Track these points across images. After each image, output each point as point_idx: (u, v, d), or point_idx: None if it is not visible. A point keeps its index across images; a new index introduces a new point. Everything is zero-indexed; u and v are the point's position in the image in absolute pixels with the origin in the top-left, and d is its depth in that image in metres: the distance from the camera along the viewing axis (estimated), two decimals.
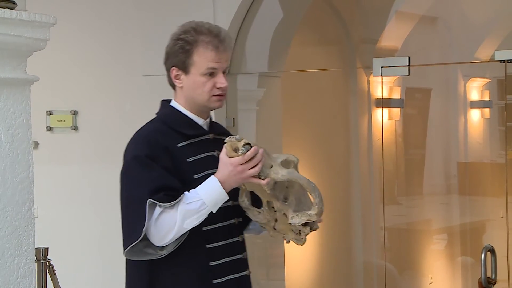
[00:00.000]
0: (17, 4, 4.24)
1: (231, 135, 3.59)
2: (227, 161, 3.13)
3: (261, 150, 3.13)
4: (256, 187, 3.25)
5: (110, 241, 6.25)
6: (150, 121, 3.52)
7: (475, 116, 9.97)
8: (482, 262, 5.54)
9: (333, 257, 7.84)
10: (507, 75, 6.45)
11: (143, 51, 6.18)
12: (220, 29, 3.43)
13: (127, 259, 3.36)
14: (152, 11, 6.17)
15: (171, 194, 3.10)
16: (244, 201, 3.38)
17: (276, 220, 3.35)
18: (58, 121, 6.50)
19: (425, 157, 9.81)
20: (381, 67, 6.72)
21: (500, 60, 6.26)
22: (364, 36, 8.30)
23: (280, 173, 3.17)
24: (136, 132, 3.47)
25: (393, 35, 8.52)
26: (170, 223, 3.07)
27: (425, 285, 8.94)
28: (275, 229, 3.37)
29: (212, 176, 3.16)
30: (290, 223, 3.27)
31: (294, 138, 7.27)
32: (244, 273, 3.38)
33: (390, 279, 8.23)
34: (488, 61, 7.49)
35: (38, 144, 6.21)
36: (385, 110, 8.37)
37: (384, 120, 8.39)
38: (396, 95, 8.51)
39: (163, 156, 3.22)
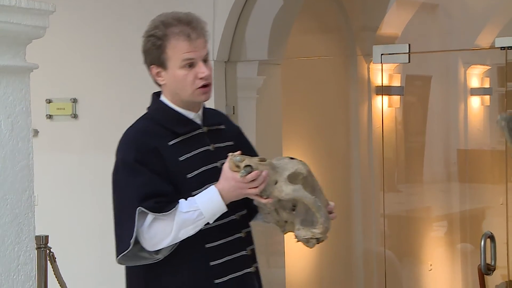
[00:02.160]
0: None
1: (228, 122, 3.62)
2: (229, 175, 3.06)
3: (264, 173, 3.05)
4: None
5: (110, 228, 6.28)
6: (141, 117, 3.47)
7: (475, 103, 9.99)
8: (482, 249, 5.56)
9: (332, 244, 7.84)
10: (508, 62, 6.46)
11: (141, 40, 6.20)
12: (191, 16, 3.35)
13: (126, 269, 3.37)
14: (149, 1, 6.16)
15: (162, 201, 3.05)
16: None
17: (286, 222, 3.31)
18: (58, 109, 6.52)
19: (425, 144, 9.85)
20: (381, 54, 6.71)
21: (501, 47, 6.27)
22: (364, 24, 8.32)
23: (284, 192, 3.10)
24: (126, 130, 3.44)
25: (393, 22, 8.54)
26: (164, 231, 3.04)
27: (425, 272, 8.98)
28: (284, 228, 3.33)
29: (213, 187, 3.09)
30: (296, 236, 3.26)
31: (294, 125, 7.29)
32: (248, 270, 3.31)
33: (390, 266, 8.26)
34: (489, 48, 7.49)
35: (38, 132, 6.22)
36: (385, 98, 8.41)
37: (384, 107, 8.42)
38: (396, 82, 8.54)
39: (152, 159, 3.16)
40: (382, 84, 8.25)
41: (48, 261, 4.94)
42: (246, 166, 3.04)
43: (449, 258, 9.35)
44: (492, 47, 6.79)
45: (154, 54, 3.32)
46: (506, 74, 7.29)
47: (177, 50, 3.23)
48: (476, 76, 9.90)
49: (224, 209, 3.09)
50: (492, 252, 5.60)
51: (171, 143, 3.20)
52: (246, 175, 3.00)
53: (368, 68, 8.26)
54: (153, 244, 3.07)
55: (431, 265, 8.97)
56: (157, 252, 3.05)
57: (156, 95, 3.48)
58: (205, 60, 3.28)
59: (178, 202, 3.06)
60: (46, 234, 4.91)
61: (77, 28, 6.30)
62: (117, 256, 3.15)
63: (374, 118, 8.39)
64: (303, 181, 3.19)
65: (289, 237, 5.67)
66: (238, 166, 3.05)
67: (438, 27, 9.10)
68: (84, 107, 6.49)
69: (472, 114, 10.10)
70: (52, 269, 4.98)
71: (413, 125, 9.56)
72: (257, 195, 3.08)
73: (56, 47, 5.61)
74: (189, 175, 3.17)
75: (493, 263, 5.63)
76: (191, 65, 3.22)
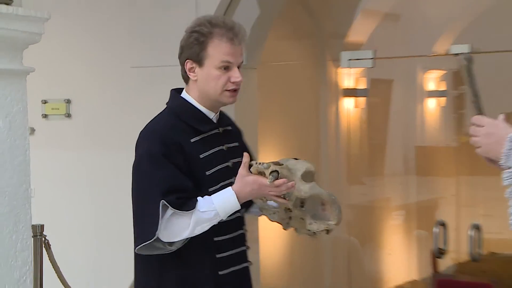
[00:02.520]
0: (13, 0, 4.26)
1: (233, 124, 3.51)
2: (251, 179, 2.99)
3: (291, 184, 2.99)
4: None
5: (102, 219, 6.27)
6: (163, 112, 3.24)
7: (432, 104, 10.05)
8: (435, 235, 5.62)
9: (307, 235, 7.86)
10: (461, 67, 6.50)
11: (131, 45, 6.14)
12: (235, 23, 3.19)
13: (135, 259, 3.21)
14: (138, 7, 6.12)
15: (183, 197, 2.94)
16: (259, 201, 3.27)
17: (290, 218, 3.25)
18: (52, 109, 6.47)
19: (386, 141, 9.88)
20: (349, 59, 6.83)
21: (455, 54, 6.31)
22: (333, 31, 8.32)
23: (302, 191, 3.06)
24: (149, 125, 3.20)
25: (359, 31, 8.57)
26: (182, 227, 2.92)
27: (385, 256, 9.05)
28: (288, 224, 3.26)
29: (230, 189, 2.99)
30: (309, 229, 3.20)
31: (269, 124, 7.25)
32: (245, 264, 3.25)
33: (353, 251, 8.41)
34: (444, 55, 7.56)
35: (34, 130, 6.18)
36: (352, 99, 8.51)
37: (350, 108, 8.53)
38: (362, 85, 8.58)
39: (177, 154, 3.00)
40: (348, 86, 8.36)
41: (44, 248, 4.92)
42: (273, 171, 2.99)
43: (405, 243, 9.44)
44: (448, 53, 6.85)
45: (194, 49, 3.07)
46: (460, 78, 7.32)
47: (218, 50, 3.05)
48: (433, 80, 9.97)
49: (238, 208, 3.02)
50: (443, 237, 5.66)
51: (193, 140, 3.06)
52: (274, 181, 2.95)
53: (336, 72, 8.27)
54: (170, 236, 2.97)
55: (390, 250, 9.06)
56: (171, 243, 2.95)
57: (176, 91, 3.27)
58: (238, 67, 3.14)
59: (197, 200, 2.96)
60: (42, 223, 4.88)
61: (71, 34, 6.22)
62: (139, 245, 2.97)
63: (341, 118, 8.43)
64: (314, 178, 3.17)
65: (262, 226, 5.63)
66: (261, 173, 3.01)
67: (400, 35, 9.11)
68: (77, 107, 6.43)
69: (429, 114, 10.17)
70: (47, 255, 4.95)
71: (376, 124, 9.55)
72: (278, 196, 3.03)
73: (51, 52, 5.58)
74: (208, 172, 3.06)
75: (444, 247, 5.68)
76: (226, 67, 3.07)
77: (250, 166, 3.06)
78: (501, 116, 2.18)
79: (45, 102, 6.47)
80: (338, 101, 8.43)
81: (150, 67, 6.07)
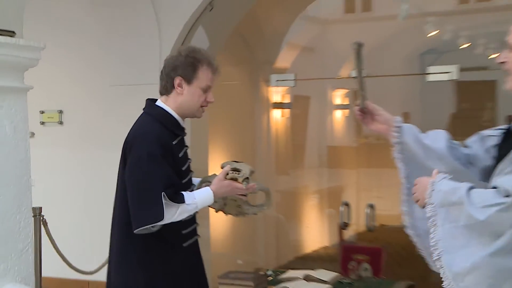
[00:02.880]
0: (16, 33, 4.18)
1: None
2: (226, 183, 2.98)
3: (253, 185, 3.03)
4: None
5: (88, 202, 6.20)
6: (146, 119, 3.08)
7: (339, 114, 10.24)
8: (340, 212, 5.69)
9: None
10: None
11: (109, 68, 6.06)
12: (215, 58, 3.14)
13: (119, 234, 3.04)
14: (115, 39, 6.05)
15: (175, 191, 2.86)
16: None
17: (225, 204, 3.22)
18: (48, 117, 6.40)
19: (305, 142, 9.97)
20: (276, 80, 6.80)
21: (354, 76, 6.36)
22: (264, 59, 8.27)
23: (256, 188, 3.08)
24: (141, 129, 3.02)
25: (284, 59, 8.61)
26: (170, 214, 2.82)
27: (304, 228, 9.17)
28: (223, 209, 3.22)
29: (208, 189, 2.95)
30: (247, 213, 3.21)
31: (217, 130, 7.22)
32: (196, 237, 3.15)
33: (280, 225, 8.50)
34: (347, 78, 7.59)
35: (34, 134, 6.09)
36: (279, 111, 8.54)
37: (278, 117, 8.56)
38: (286, 100, 8.63)
39: (169, 154, 2.91)
40: (276, 101, 8.41)
41: (42, 225, 4.85)
42: (246, 178, 3.01)
43: (319, 219, 9.56)
44: (349, 77, 6.89)
45: (188, 70, 2.96)
46: (357, 95, 7.40)
47: (206, 75, 2.96)
48: (339, 97, 10.15)
49: (211, 203, 3.01)
50: (347, 214, 5.72)
51: (174, 142, 2.97)
52: (246, 185, 2.98)
53: (267, 90, 8.27)
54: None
55: (308, 224, 9.17)
56: (154, 226, 2.84)
57: (151, 101, 3.13)
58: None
59: (183, 194, 2.88)
60: (40, 206, 4.82)
61: (62, 58, 6.08)
62: (140, 227, 2.83)
63: (271, 125, 8.45)
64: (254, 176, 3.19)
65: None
66: (233, 178, 3.01)
67: (314, 62, 9.23)
68: (68, 116, 6.32)
69: (336, 122, 10.34)
70: (44, 231, 4.88)
71: (297, 129, 9.60)
72: (242, 194, 3.05)
73: (47, 72, 5.43)
74: (183, 168, 3.00)
75: (348, 221, 5.75)
76: (206, 90, 2.99)
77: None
78: (434, 171, 2.12)
79: (42, 112, 6.39)
80: (269, 112, 8.42)
81: (125, 85, 6.03)
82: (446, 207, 1.96)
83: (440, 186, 2.00)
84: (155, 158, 2.84)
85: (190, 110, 3.02)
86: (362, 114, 2.39)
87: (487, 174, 2.16)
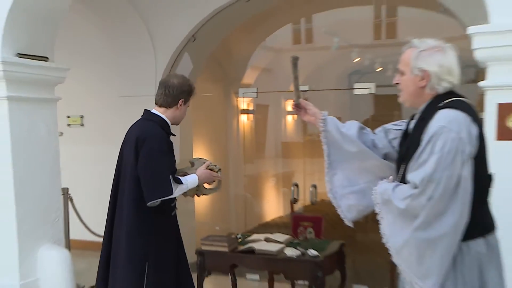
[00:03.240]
0: (48, 58, 4.21)
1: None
2: (207, 171, 3.08)
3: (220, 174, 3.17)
4: None
5: (102, 184, 6.16)
6: (149, 123, 3.03)
7: (290, 119, 10.25)
8: (292, 191, 5.72)
9: (220, 191, 7.89)
10: (306, 98, 6.57)
11: (118, 82, 6.01)
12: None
13: (129, 208, 2.96)
14: (122, 62, 6.01)
15: (175, 176, 2.93)
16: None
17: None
18: (73, 121, 6.38)
19: (265, 139, 9.97)
20: (243, 93, 6.79)
21: (303, 90, 6.35)
22: (234, 77, 8.26)
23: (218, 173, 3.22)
24: (149, 131, 2.96)
25: (249, 77, 8.64)
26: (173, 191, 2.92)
27: (265, 203, 9.18)
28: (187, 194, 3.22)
29: (195, 175, 3.03)
30: (205, 194, 3.26)
31: (199, 131, 7.16)
32: (176, 209, 3.16)
33: (248, 201, 8.48)
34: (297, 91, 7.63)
35: (62, 133, 6.08)
36: (245, 115, 8.57)
37: (245, 120, 8.60)
38: (251, 107, 8.66)
39: (170, 150, 2.96)
40: (243, 108, 8.43)
41: (69, 201, 4.86)
42: (219, 170, 3.16)
43: (276, 196, 9.60)
44: (303, 90, 6.94)
45: (187, 96, 3.01)
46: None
47: (191, 100, 3.08)
48: (289, 105, 10.14)
49: (196, 185, 3.07)
50: (297, 192, 5.76)
51: (169, 141, 2.99)
52: (219, 173, 3.14)
53: (237, 100, 8.27)
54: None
55: (268, 200, 9.23)
56: (157, 200, 2.87)
57: (148, 110, 3.12)
58: None
59: (179, 178, 2.95)
60: (67, 187, 4.81)
61: (82, 76, 6.05)
62: (153, 200, 2.84)
63: (239, 126, 8.47)
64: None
65: None
66: (211, 168, 3.13)
67: (271, 80, 9.20)
68: (87, 120, 6.35)
69: (288, 124, 10.37)
70: (71, 205, 4.89)
71: (259, 129, 9.64)
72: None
73: (71, 86, 5.38)
74: (176, 162, 3.05)
75: (297, 197, 5.78)
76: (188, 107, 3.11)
77: (192, 163, 3.22)
78: (390, 177, 2.09)
79: (68, 116, 6.38)
80: (238, 116, 8.42)
81: (129, 96, 5.99)
82: (385, 204, 1.96)
83: (379, 189, 2.01)
84: (163, 151, 2.90)
85: (179, 120, 3.08)
86: (297, 108, 2.38)
87: (387, 158, 2.19)
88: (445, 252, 1.82)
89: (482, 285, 1.87)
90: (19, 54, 3.97)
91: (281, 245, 4.02)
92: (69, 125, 6.40)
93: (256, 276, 5.47)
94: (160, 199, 2.86)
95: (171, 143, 3.00)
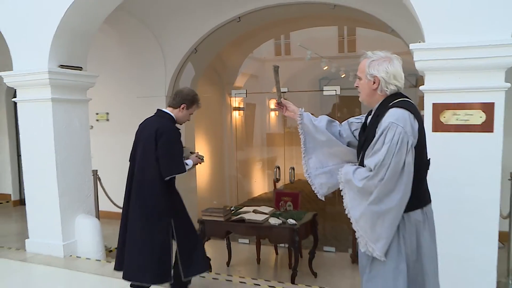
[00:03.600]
0: (82, 68, 4.26)
1: None
2: (196, 159, 3.13)
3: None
4: None
5: (123, 167, 6.16)
6: (165, 119, 3.05)
7: (273, 114, 10.23)
8: (275, 172, 5.70)
9: (217, 171, 7.78)
10: (286, 98, 6.52)
11: (136, 85, 6.03)
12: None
13: (152, 182, 2.98)
14: (139, 67, 5.99)
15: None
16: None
17: None
18: (100, 117, 6.26)
19: (253, 131, 9.94)
20: (235, 93, 6.69)
21: (283, 92, 6.29)
22: (228, 81, 8.20)
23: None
24: (166, 125, 2.99)
25: (240, 81, 8.64)
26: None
27: (253, 182, 9.12)
28: None
29: (190, 160, 3.09)
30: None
31: (200, 123, 7.09)
32: None
33: (240, 180, 8.41)
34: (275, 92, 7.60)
35: (92, 127, 6.00)
36: (237, 112, 8.50)
37: (237, 116, 8.52)
38: (242, 105, 8.60)
39: (180, 139, 3.00)
40: (235, 106, 8.33)
41: (98, 181, 4.83)
42: (202, 157, 3.18)
43: (262, 176, 9.56)
44: (283, 92, 6.90)
45: (189, 103, 3.04)
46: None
47: (193, 109, 3.08)
48: (272, 104, 10.15)
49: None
50: (279, 173, 5.74)
51: (179, 132, 3.01)
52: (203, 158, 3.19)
53: (230, 99, 8.21)
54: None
55: (255, 180, 9.25)
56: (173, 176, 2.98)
57: (161, 110, 3.12)
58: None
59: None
60: (96, 169, 4.78)
61: (107, 81, 5.90)
62: (171, 175, 2.92)
63: (232, 120, 8.39)
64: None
65: (198, 167, 5.57)
66: (198, 157, 3.15)
67: (257, 83, 9.20)
68: (112, 116, 6.29)
69: (271, 119, 10.32)
70: (99, 184, 4.85)
71: (248, 123, 9.60)
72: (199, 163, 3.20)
73: (99, 89, 5.37)
74: (183, 147, 3.08)
75: (279, 177, 5.75)
76: (191, 114, 3.09)
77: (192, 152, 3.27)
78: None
79: (97, 113, 6.29)
80: (231, 113, 8.36)
81: (144, 97, 5.94)
82: (347, 183, 1.95)
83: (343, 171, 2.00)
84: (178, 140, 2.98)
85: (181, 121, 3.09)
86: (280, 106, 2.35)
87: (350, 145, 2.19)
88: (392, 221, 1.84)
89: (418, 244, 1.91)
90: (61, 65, 4.05)
91: (266, 216, 4.06)
92: (97, 120, 6.36)
93: (246, 241, 5.48)
94: (175, 175, 2.96)
95: (180, 134, 3.04)
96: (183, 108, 3.05)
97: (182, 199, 3.17)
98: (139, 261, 2.98)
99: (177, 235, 3.03)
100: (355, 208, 1.91)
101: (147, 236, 2.97)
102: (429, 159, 2.02)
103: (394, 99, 1.94)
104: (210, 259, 3.32)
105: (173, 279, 3.05)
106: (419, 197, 1.91)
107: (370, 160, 1.86)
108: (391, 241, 1.87)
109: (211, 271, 3.58)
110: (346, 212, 1.95)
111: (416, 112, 1.90)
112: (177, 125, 3.09)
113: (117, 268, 3.15)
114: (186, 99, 3.06)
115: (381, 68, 1.95)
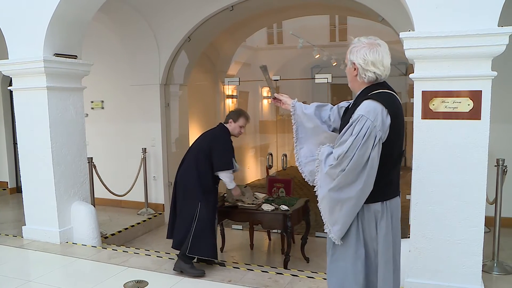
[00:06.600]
0: (77, 56, 4.21)
1: None
2: (238, 193, 4.02)
3: None
4: None
5: (119, 154, 6.14)
6: (222, 130, 3.71)
7: (266, 102, 10.21)
8: (267, 159, 5.75)
9: None
10: (277, 86, 6.51)
11: (130, 74, 5.97)
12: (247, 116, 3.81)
13: (198, 176, 3.54)
14: (134, 55, 5.93)
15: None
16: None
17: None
18: (95, 105, 6.23)
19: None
20: (228, 81, 6.68)
21: (276, 79, 6.23)
22: (221, 70, 8.17)
23: None
24: (222, 134, 3.68)
25: (233, 69, 8.56)
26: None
27: (247, 169, 9.09)
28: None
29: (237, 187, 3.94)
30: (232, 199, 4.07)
31: (194, 111, 7.09)
32: None
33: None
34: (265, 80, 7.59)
35: (87, 114, 5.98)
36: (230, 99, 8.40)
37: (230, 103, 8.48)
38: (235, 93, 8.42)
39: (232, 146, 3.69)
40: (229, 94, 8.22)
41: (93, 167, 4.84)
42: (245, 186, 4.06)
43: (255, 163, 9.54)
44: (272, 80, 6.89)
45: (234, 117, 3.70)
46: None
47: (241, 122, 3.71)
48: (265, 91, 10.17)
49: None
50: (271, 160, 5.78)
51: (231, 140, 3.71)
52: None
53: (223, 87, 8.15)
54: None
55: (248, 167, 9.17)
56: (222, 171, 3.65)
57: (221, 123, 3.78)
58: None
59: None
60: (91, 156, 4.81)
61: (103, 69, 5.89)
62: (221, 170, 3.58)
63: (226, 108, 8.25)
64: None
65: None
66: (243, 191, 4.06)
67: (250, 71, 9.11)
68: (107, 104, 6.22)
69: (264, 107, 10.32)
70: (94, 171, 4.89)
71: None
72: None
73: (94, 77, 5.30)
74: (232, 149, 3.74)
75: (272, 164, 5.79)
76: (241, 127, 3.73)
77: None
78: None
79: (92, 101, 6.26)
80: (224, 100, 8.31)
81: (138, 85, 5.92)
82: (320, 164, 1.96)
83: (321, 150, 2.00)
84: (230, 145, 3.64)
85: (233, 133, 3.72)
86: (275, 100, 2.38)
87: (336, 130, 2.19)
88: (350, 210, 1.86)
89: (375, 231, 1.93)
90: (56, 54, 4.01)
91: (259, 201, 4.07)
92: (92, 108, 6.31)
93: (240, 226, 5.47)
94: (228, 170, 3.60)
95: (231, 141, 3.68)
96: (230, 122, 3.69)
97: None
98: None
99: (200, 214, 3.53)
100: (320, 189, 1.93)
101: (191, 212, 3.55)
102: (404, 150, 2.01)
103: (375, 90, 1.89)
104: (216, 251, 3.64)
105: (179, 248, 3.55)
106: (380, 191, 1.89)
107: (336, 150, 1.87)
108: (350, 227, 1.91)
109: (217, 260, 3.66)
110: (315, 189, 1.97)
111: (392, 106, 1.85)
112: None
113: (168, 236, 3.68)
114: (232, 116, 3.70)
115: (359, 55, 1.90)
